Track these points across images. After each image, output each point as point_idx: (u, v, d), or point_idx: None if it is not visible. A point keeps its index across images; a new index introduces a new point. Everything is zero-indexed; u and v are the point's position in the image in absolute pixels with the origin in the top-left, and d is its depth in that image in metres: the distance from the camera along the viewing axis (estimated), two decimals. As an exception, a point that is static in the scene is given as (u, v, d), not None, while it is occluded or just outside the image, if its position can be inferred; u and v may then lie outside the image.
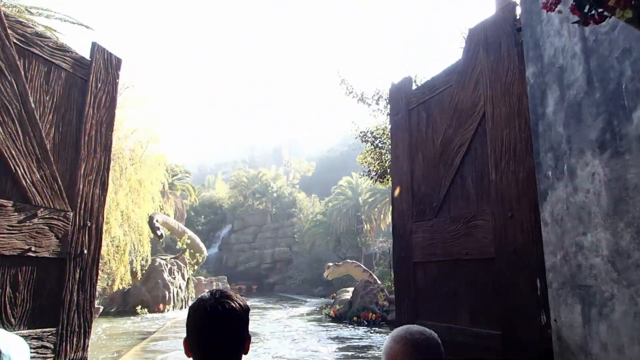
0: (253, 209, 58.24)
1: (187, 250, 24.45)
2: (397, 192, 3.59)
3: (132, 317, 17.41)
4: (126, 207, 22.26)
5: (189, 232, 26.40)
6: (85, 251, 2.98)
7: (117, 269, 23.16)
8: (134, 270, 23.06)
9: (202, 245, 27.70)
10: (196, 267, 24.53)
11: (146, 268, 20.95)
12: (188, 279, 22.39)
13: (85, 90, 3.13)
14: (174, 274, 20.50)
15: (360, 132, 9.55)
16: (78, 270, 2.93)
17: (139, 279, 21.18)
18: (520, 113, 2.49)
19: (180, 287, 20.73)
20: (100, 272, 18.14)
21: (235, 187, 61.16)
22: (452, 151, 2.99)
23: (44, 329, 2.70)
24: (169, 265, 20.66)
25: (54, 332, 2.74)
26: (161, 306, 18.76)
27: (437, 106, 3.24)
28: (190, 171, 51.42)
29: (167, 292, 19.33)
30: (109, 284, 22.54)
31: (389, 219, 41.99)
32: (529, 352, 2.27)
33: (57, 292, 2.79)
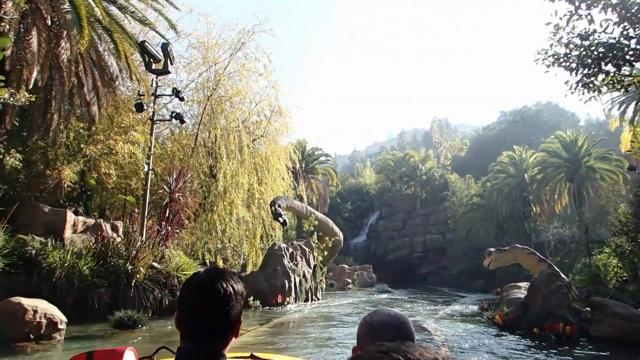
0: (401, 194, 54.59)
1: (315, 233, 21.41)
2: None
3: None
4: (250, 185, 20.15)
5: (318, 214, 23.38)
6: None
7: (249, 254, 21.32)
8: (266, 255, 20.98)
9: (336, 228, 24.50)
10: (325, 252, 21.34)
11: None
12: (315, 266, 19.19)
13: None
14: (296, 260, 17.38)
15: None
16: None
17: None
18: None
19: (304, 276, 17.50)
20: (233, 255, 15.65)
21: (381, 172, 58.06)
22: None
23: None
24: (290, 250, 17.60)
25: None
26: (279, 297, 15.70)
27: None
28: (330, 154, 49.36)
29: (286, 281, 16.15)
30: (239, 270, 20.68)
31: (565, 200, 34.42)
32: None
33: None
